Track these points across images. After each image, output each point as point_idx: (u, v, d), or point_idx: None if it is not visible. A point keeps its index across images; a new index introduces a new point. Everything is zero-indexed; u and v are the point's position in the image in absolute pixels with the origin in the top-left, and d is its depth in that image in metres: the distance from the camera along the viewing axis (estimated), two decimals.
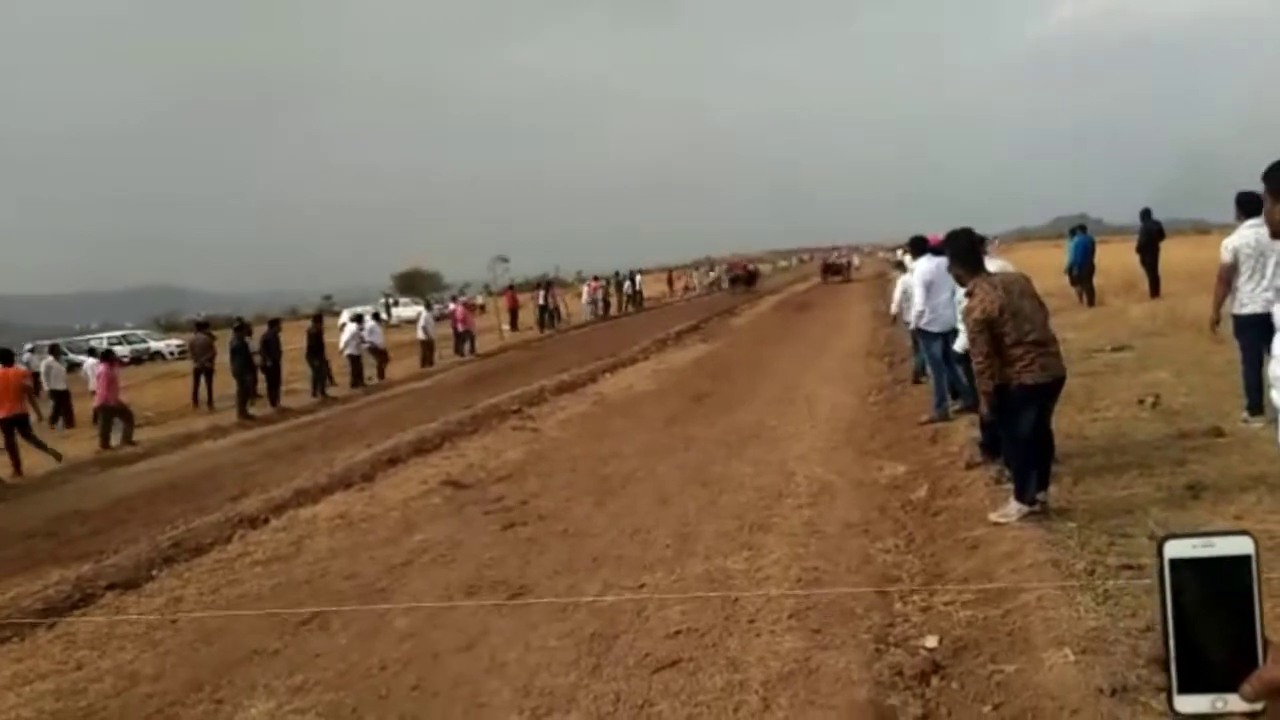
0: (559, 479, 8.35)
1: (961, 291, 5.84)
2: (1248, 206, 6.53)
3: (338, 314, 34.22)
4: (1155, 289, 16.15)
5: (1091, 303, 16.69)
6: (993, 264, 6.24)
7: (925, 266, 8.63)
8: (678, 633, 4.49)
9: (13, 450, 13.07)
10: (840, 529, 5.86)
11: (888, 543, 5.50)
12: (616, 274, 41.60)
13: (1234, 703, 0.79)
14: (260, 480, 9.90)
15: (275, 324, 18.22)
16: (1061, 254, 19.37)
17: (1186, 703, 0.80)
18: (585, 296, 36.95)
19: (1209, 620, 0.80)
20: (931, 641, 3.98)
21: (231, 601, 5.94)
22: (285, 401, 17.48)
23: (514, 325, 31.98)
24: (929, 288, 8.49)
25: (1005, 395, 5.17)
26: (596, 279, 41.27)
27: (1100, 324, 13.58)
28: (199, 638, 5.33)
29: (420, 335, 23.07)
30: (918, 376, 10.48)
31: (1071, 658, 3.39)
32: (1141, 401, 7.56)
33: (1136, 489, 5.39)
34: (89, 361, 17.26)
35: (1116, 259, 19.24)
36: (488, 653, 4.55)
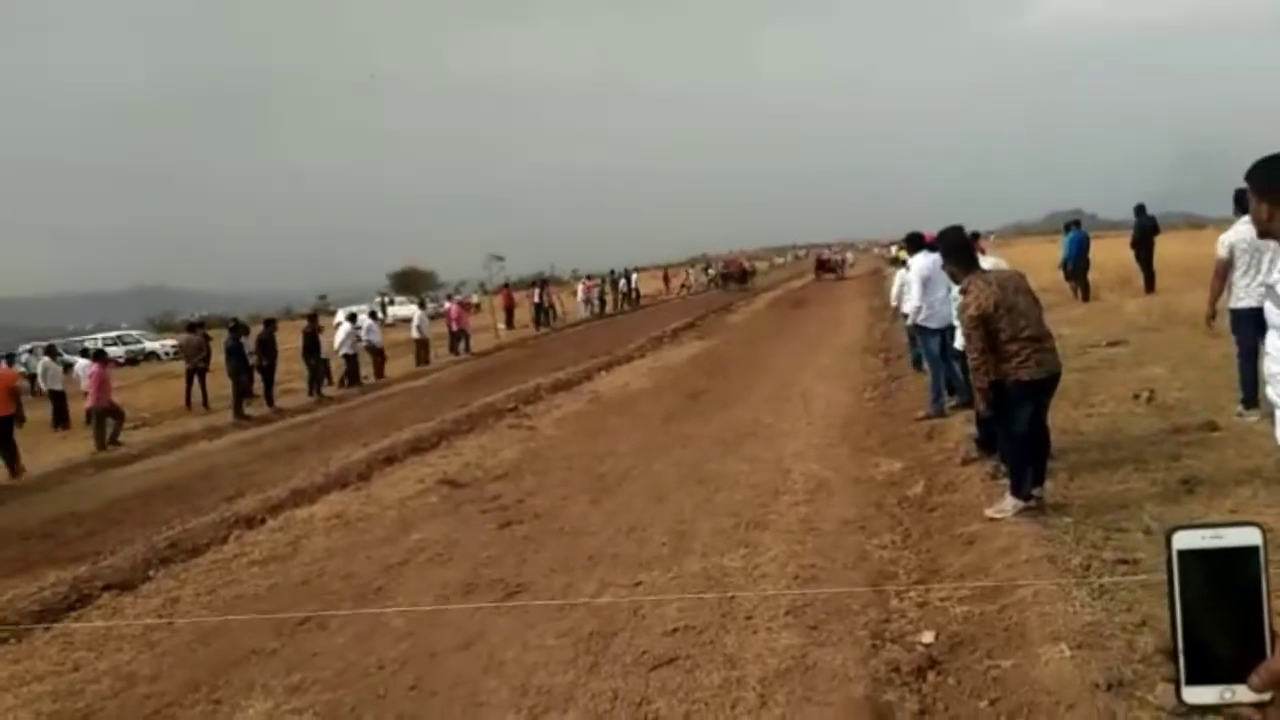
0: (555, 477, 8.35)
1: (957, 289, 5.86)
2: (1245, 203, 6.56)
3: (333, 313, 34.18)
4: (1150, 284, 16.19)
5: (1086, 298, 16.73)
6: (986, 261, 6.26)
7: (922, 263, 8.66)
8: (675, 630, 4.49)
9: (6, 452, 13.04)
10: (837, 526, 5.87)
11: (884, 539, 5.51)
12: (612, 272, 41.60)
13: (1242, 693, 0.79)
14: (256, 480, 9.89)
15: (271, 324, 18.22)
16: (1056, 249, 19.40)
17: (1195, 694, 0.81)
18: (580, 295, 36.94)
19: (1217, 611, 0.80)
20: (928, 637, 3.98)
21: (228, 602, 5.93)
22: (281, 401, 17.46)
23: (510, 323, 31.97)
24: (926, 284, 8.51)
25: (1001, 391, 5.19)
26: (590, 278, 41.27)
27: (1095, 319, 13.61)
28: (196, 638, 5.32)
29: (415, 334, 23.07)
30: (918, 365, 10.54)
31: (1067, 653, 3.40)
32: (1137, 396, 7.58)
33: (1132, 484, 5.41)
34: (81, 362, 17.23)
35: (1111, 254, 19.27)
36: (485, 652, 4.55)
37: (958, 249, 5.64)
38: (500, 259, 36.24)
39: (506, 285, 35.44)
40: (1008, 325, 5.12)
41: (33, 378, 20.59)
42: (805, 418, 9.73)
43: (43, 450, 15.20)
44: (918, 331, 9.15)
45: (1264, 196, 2.94)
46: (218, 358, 18.08)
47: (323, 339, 18.96)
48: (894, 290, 10.98)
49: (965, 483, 6.17)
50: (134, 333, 48.04)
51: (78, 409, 17.37)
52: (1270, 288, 2.99)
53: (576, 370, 16.33)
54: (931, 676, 3.67)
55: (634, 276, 42.62)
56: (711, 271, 53.69)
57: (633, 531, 6.34)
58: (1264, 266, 6.46)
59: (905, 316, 9.72)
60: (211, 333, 21.11)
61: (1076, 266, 17.33)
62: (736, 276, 48.77)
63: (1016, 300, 5.23)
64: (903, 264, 15.13)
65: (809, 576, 5.03)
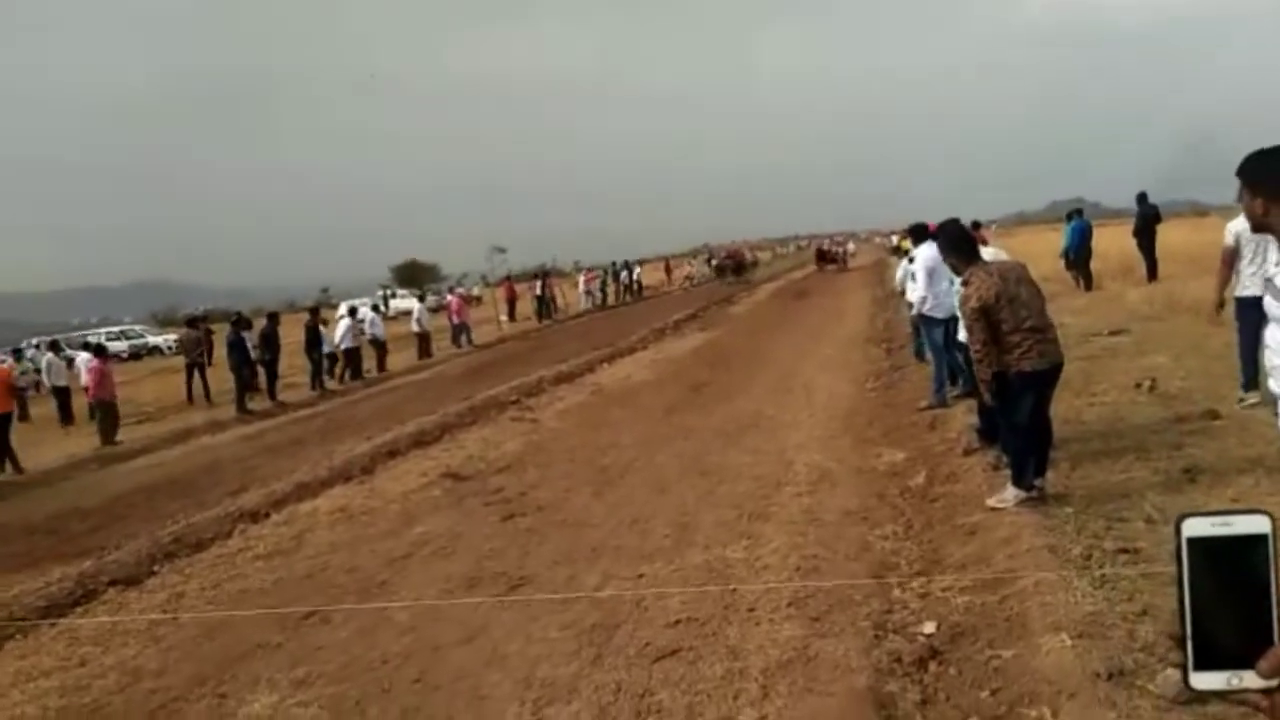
0: (558, 469, 8.37)
1: (959, 280, 5.85)
2: None
3: (335, 306, 34.21)
4: (1152, 273, 16.15)
5: (1089, 287, 16.69)
6: (987, 252, 6.25)
7: (927, 253, 8.64)
8: (678, 622, 4.51)
9: (5, 448, 13.10)
10: (839, 517, 5.88)
11: (886, 530, 5.52)
12: (614, 264, 41.59)
13: (1249, 679, 0.79)
14: (260, 474, 9.92)
15: (274, 318, 18.24)
16: (1059, 238, 19.36)
17: (1202, 679, 0.81)
18: (581, 287, 36.95)
19: (1225, 598, 0.80)
20: (929, 628, 4.00)
21: (233, 596, 5.96)
22: (284, 395, 17.50)
23: (512, 316, 31.99)
24: (931, 274, 8.50)
25: (1003, 382, 5.18)
26: (590, 270, 41.26)
27: (1098, 308, 13.58)
28: (201, 633, 5.35)
29: (415, 328, 23.08)
30: (920, 355, 10.54)
31: (1068, 642, 3.41)
32: (1139, 385, 7.57)
33: (1133, 473, 5.41)
34: (82, 356, 17.27)
35: (1114, 243, 19.23)
36: (489, 645, 4.57)
37: (957, 241, 5.63)
38: (502, 251, 36.28)
39: (509, 277, 35.47)
40: (1009, 316, 5.11)
41: (39, 373, 20.62)
42: (807, 409, 9.74)
43: (47, 445, 15.27)
44: (922, 321, 9.15)
45: (1258, 190, 2.93)
46: (220, 352, 18.11)
47: (325, 332, 19.00)
48: (898, 278, 11.00)
49: (967, 473, 6.17)
50: (137, 327, 48.12)
51: (81, 404, 17.42)
52: (1269, 281, 2.99)
53: (579, 362, 16.33)
54: (933, 667, 3.68)
55: (636, 268, 42.61)
56: (715, 262, 52.43)
57: (635, 523, 6.36)
58: (1270, 256, 6.46)
59: (910, 306, 9.72)
60: (214, 327, 21.14)
61: (1078, 256, 17.29)
62: (733, 268, 47.06)
63: (1018, 291, 5.21)
64: (904, 254, 15.08)
65: (811, 568, 5.04)
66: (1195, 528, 0.81)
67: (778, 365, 13.50)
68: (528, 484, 7.89)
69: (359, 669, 4.52)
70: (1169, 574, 3.09)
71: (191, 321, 20.99)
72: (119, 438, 14.57)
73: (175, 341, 33.00)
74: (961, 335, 7.25)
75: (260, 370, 17.24)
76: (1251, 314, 6.32)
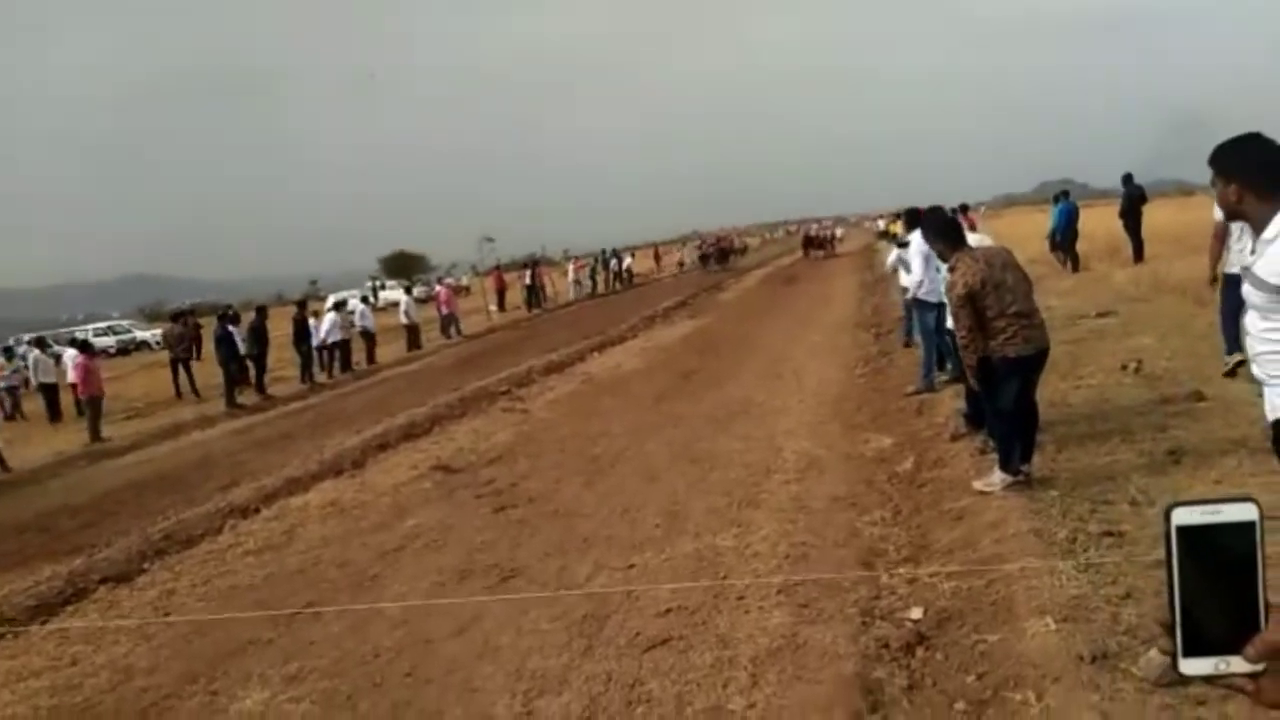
0: (548, 460, 8.38)
1: (945, 266, 5.86)
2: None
3: (324, 299, 34.06)
4: (1139, 254, 16.21)
5: (1076, 269, 16.75)
6: (973, 238, 6.27)
7: (922, 238, 8.65)
8: (668, 611, 4.53)
9: None
10: (827, 503, 5.91)
11: (874, 515, 5.55)
12: (603, 252, 41.52)
13: (1236, 664, 0.81)
14: (250, 469, 9.90)
15: (262, 311, 18.14)
16: (1047, 219, 19.40)
17: (1191, 665, 0.83)
18: (570, 275, 36.90)
19: (1213, 585, 0.82)
20: (917, 613, 4.03)
21: (224, 593, 5.97)
22: (274, 389, 17.46)
23: (501, 305, 31.93)
24: (927, 259, 8.51)
25: (989, 368, 5.21)
26: (578, 259, 41.18)
27: (1085, 290, 13.64)
28: (193, 629, 5.35)
29: (403, 320, 22.98)
30: (909, 340, 10.57)
31: (1053, 626, 3.44)
32: (1125, 367, 7.61)
33: (1119, 455, 5.44)
34: (69, 353, 17.17)
35: (1101, 223, 19.28)
36: (480, 637, 4.59)
37: (944, 228, 5.66)
38: (491, 240, 36.12)
39: (498, 267, 35.35)
40: (995, 302, 5.13)
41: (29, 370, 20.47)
42: (797, 395, 9.76)
43: (35, 443, 15.21)
44: (915, 306, 9.16)
45: (1231, 178, 2.95)
46: (209, 346, 18.03)
47: (314, 325, 18.93)
48: (889, 262, 11.00)
49: (954, 458, 6.21)
50: (124, 323, 47.84)
51: (70, 401, 17.34)
52: (1248, 269, 3.01)
53: (569, 351, 16.34)
54: (920, 652, 3.71)
55: (625, 257, 42.55)
56: (699, 250, 51.10)
57: (626, 513, 6.38)
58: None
59: (905, 290, 9.73)
60: (202, 321, 21.04)
61: (1065, 237, 17.33)
62: (717, 255, 46.00)
63: (1004, 277, 5.23)
64: (893, 238, 15.06)
65: (800, 555, 5.07)
66: (1184, 516, 0.83)
67: (767, 351, 13.53)
68: (518, 475, 7.91)
69: (351, 663, 4.54)
70: (1153, 557, 3.12)
71: (176, 316, 20.86)
72: (106, 434, 14.51)
73: (160, 337, 32.85)
74: (949, 321, 7.29)
75: (249, 364, 17.17)
76: (1234, 290, 6.44)
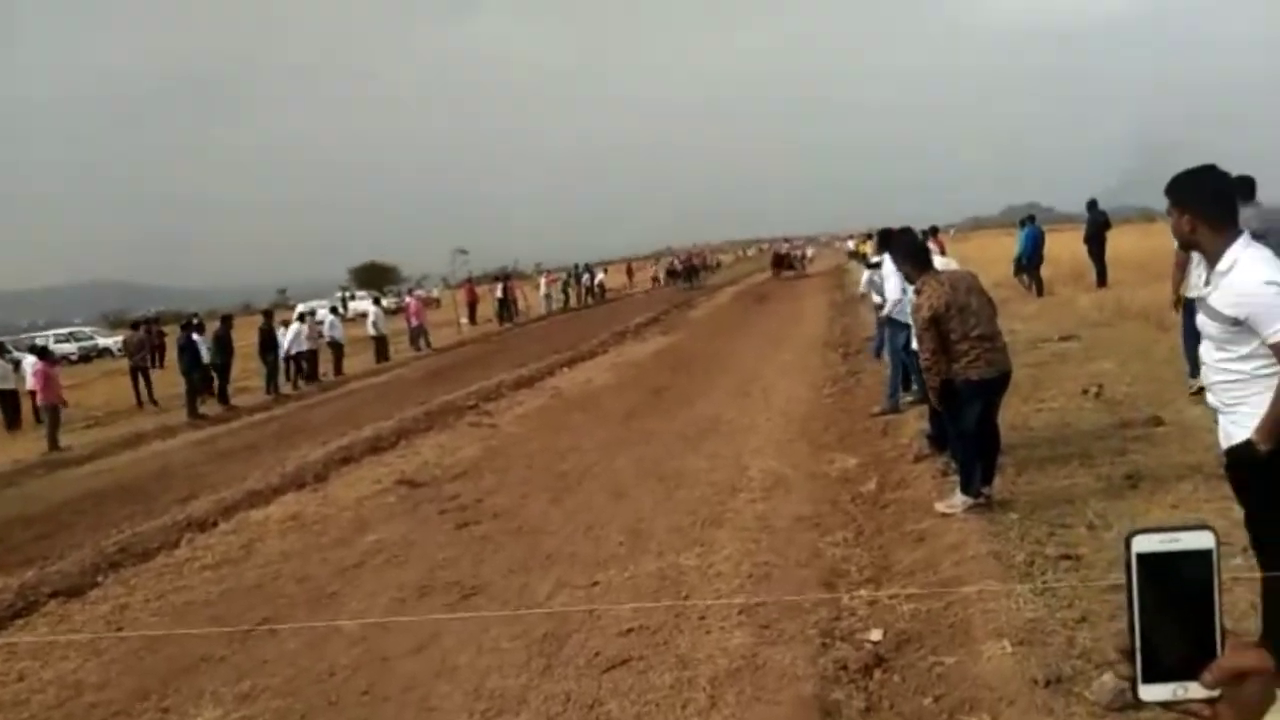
0: (515, 475, 8.33)
1: (912, 289, 5.92)
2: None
3: (293, 308, 33.70)
4: (1102, 279, 16.48)
5: (1040, 293, 16.99)
6: (940, 261, 6.34)
7: None
8: (629, 631, 4.51)
9: None
10: (791, 523, 5.92)
11: (837, 536, 5.57)
12: (575, 267, 41.55)
13: (1194, 690, 0.81)
14: (210, 481, 9.75)
15: (227, 321, 17.91)
16: (1014, 243, 19.68)
17: (1150, 691, 0.83)
18: (542, 289, 36.88)
19: (1172, 612, 0.82)
20: (876, 635, 4.04)
21: (179, 608, 5.86)
22: (238, 399, 17.24)
23: (473, 319, 31.79)
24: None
25: (951, 390, 5.26)
26: (550, 273, 41.17)
27: (1049, 314, 13.84)
28: (145, 645, 5.24)
29: (371, 331, 22.79)
30: (879, 353, 10.64)
31: (1009, 649, 3.47)
32: (1086, 391, 7.73)
33: (1077, 479, 5.51)
34: (28, 360, 16.85)
35: (1066, 248, 19.58)
36: (439, 655, 4.54)
37: (911, 251, 5.72)
38: (464, 253, 36.01)
39: (469, 280, 35.24)
40: (959, 325, 5.19)
41: None
42: (765, 413, 9.80)
43: None
44: (889, 324, 9.22)
45: (1185, 209, 3.01)
46: (172, 354, 17.77)
47: (282, 334, 18.72)
48: (863, 282, 11.06)
49: (917, 479, 6.25)
50: (86, 329, 47.05)
51: (29, 408, 16.99)
52: (1203, 300, 3.06)
53: (539, 366, 16.29)
54: (878, 674, 3.72)
55: (598, 272, 42.60)
56: (666, 267, 49.68)
57: (591, 530, 6.35)
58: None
59: (877, 309, 9.78)
60: (166, 329, 20.74)
61: (1031, 261, 17.59)
62: (684, 273, 44.23)
63: (968, 300, 5.30)
64: (862, 258, 15.16)
65: (763, 575, 5.07)
66: (1144, 544, 0.83)
67: (738, 369, 13.57)
68: (484, 490, 7.85)
69: (306, 681, 4.46)
70: (1108, 581, 3.14)
71: (136, 324, 20.53)
72: (65, 442, 14.24)
73: (121, 344, 32.28)
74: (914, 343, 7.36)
75: (213, 374, 16.93)
76: (1193, 316, 6.58)
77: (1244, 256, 2.94)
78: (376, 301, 26.39)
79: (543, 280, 38.64)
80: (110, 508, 9.20)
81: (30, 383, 15.53)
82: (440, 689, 4.18)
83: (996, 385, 5.33)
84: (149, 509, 8.75)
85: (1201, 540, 0.83)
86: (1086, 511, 4.87)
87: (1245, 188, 6.81)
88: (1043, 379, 8.54)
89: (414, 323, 24.64)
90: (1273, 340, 2.83)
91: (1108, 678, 3.09)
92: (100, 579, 6.63)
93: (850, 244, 48.44)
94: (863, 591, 4.58)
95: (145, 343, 18.69)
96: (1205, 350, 3.14)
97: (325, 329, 20.80)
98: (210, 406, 16.45)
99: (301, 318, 19.76)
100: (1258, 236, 6.57)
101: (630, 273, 56.19)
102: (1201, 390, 6.51)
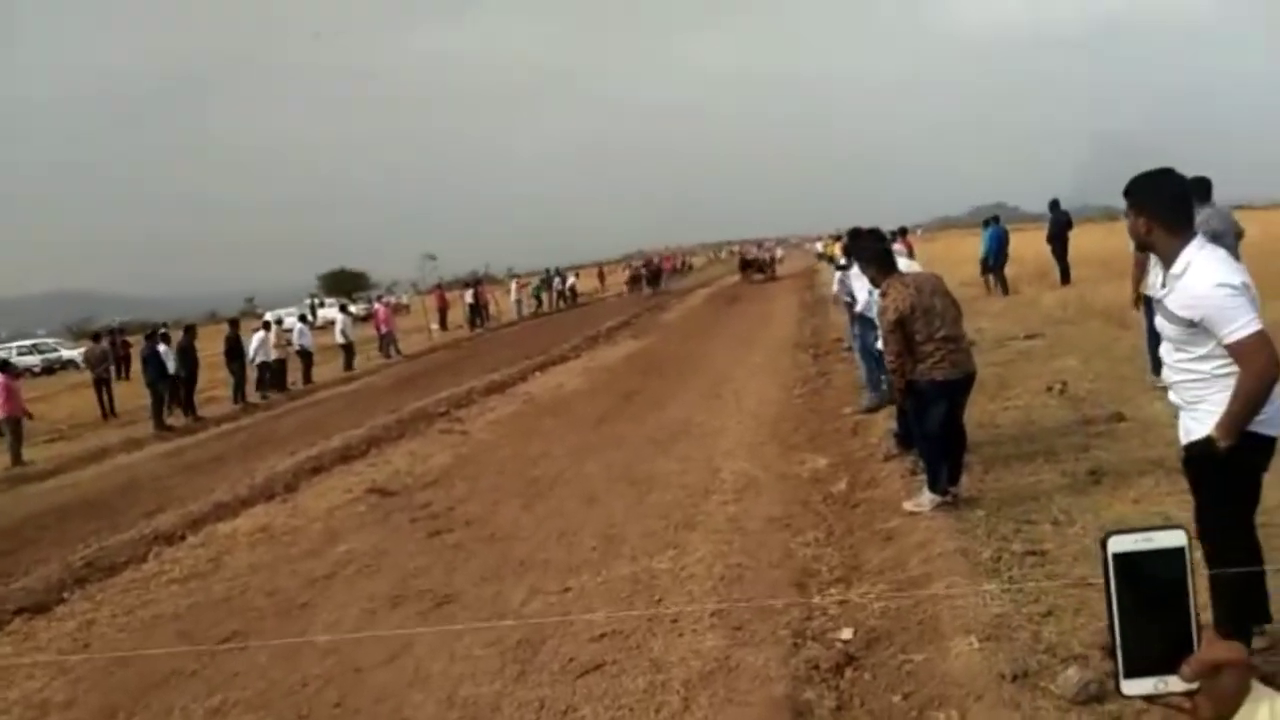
0: (487, 482, 8.31)
1: (878, 292, 5.98)
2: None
3: (260, 316, 33.33)
4: (1065, 277, 16.74)
5: (1006, 292, 17.22)
6: (904, 263, 6.41)
7: None
8: (602, 636, 4.52)
9: None
10: (763, 524, 5.96)
11: (808, 536, 5.61)
12: (547, 271, 41.49)
13: (1174, 683, 0.85)
14: (177, 494, 9.62)
15: (190, 331, 17.65)
16: (980, 243, 19.92)
17: (1132, 685, 0.87)
18: (513, 294, 36.79)
19: (1149, 609, 0.86)
20: (847, 634, 4.08)
21: (146, 623, 5.78)
22: (206, 409, 17.02)
23: (443, 325, 31.64)
24: None
25: (916, 391, 5.33)
26: (521, 278, 41.05)
27: (1014, 312, 14.02)
28: (113, 661, 5.17)
29: (339, 339, 22.60)
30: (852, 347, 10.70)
31: (976, 645, 3.52)
32: (1050, 389, 7.85)
33: (1042, 476, 5.60)
34: None
35: (1031, 247, 19.84)
36: (412, 665, 4.52)
37: (876, 254, 5.79)
38: (433, 258, 35.87)
39: (439, 285, 35.07)
40: (923, 327, 5.26)
41: None
42: (736, 415, 9.84)
43: None
44: (861, 322, 9.29)
45: (1142, 210, 3.08)
46: (138, 365, 17.51)
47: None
48: (834, 289, 11.12)
49: (886, 478, 6.32)
50: (50, 341, 46.20)
51: None
52: (1159, 302, 3.13)
53: (510, 371, 16.26)
54: (849, 673, 3.76)
55: (569, 276, 42.56)
56: (629, 272, 47.46)
57: (563, 536, 6.35)
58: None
59: (850, 308, 9.84)
60: (131, 339, 20.43)
61: (996, 261, 17.82)
62: (649, 277, 42.68)
63: (933, 302, 5.36)
64: (830, 259, 15.25)
65: (735, 577, 5.10)
66: (1119, 544, 0.87)
67: (709, 372, 13.62)
68: (456, 498, 7.82)
69: (277, 694, 4.43)
70: (1073, 575, 3.20)
71: (96, 335, 20.18)
72: (28, 457, 14.00)
73: (81, 356, 31.75)
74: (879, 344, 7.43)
75: (179, 385, 16.70)
76: (1153, 313, 6.70)
77: (1197, 259, 3.01)
78: (343, 309, 26.15)
79: (514, 285, 38.54)
80: (75, 523, 9.06)
81: None
82: (413, 698, 4.16)
83: (961, 386, 5.40)
84: (115, 523, 8.62)
85: (1174, 539, 0.86)
86: (1051, 508, 4.95)
87: (1201, 189, 6.94)
88: (1008, 377, 8.66)
89: (383, 330, 24.48)
90: (1228, 341, 2.90)
91: (1072, 671, 3.14)
92: (66, 595, 6.54)
93: (819, 245, 48.46)
94: (833, 591, 4.62)
95: (107, 354, 18.40)
96: (1165, 351, 3.21)
97: (294, 337, 20.60)
98: (177, 418, 16.24)
99: (267, 326, 19.40)
100: (1216, 237, 6.72)
101: (602, 276, 56.22)
102: (1164, 388, 6.65)
